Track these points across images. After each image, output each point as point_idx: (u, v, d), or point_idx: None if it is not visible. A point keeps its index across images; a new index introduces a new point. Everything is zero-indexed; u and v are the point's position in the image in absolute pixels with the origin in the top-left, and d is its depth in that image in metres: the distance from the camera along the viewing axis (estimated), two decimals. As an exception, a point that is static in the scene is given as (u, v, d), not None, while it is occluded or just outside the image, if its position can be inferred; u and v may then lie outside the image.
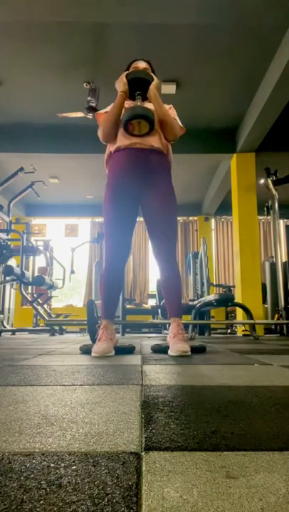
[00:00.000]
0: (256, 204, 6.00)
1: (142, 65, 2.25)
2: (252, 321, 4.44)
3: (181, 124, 2.22)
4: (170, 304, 2.07)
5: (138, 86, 2.11)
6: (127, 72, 2.17)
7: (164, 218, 2.07)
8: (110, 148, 2.16)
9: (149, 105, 2.16)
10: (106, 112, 2.16)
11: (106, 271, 2.07)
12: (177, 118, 2.21)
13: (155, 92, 2.10)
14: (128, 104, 2.17)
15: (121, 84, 2.11)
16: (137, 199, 2.12)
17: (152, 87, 2.10)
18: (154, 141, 2.09)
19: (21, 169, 6.18)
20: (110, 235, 2.08)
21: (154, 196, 2.08)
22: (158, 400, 0.83)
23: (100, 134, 2.14)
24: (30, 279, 5.63)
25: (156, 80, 2.13)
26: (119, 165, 2.08)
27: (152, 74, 2.21)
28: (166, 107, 2.22)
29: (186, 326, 3.95)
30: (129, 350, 2.09)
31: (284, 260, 5.71)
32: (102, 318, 2.07)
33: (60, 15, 3.73)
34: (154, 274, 9.85)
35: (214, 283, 8.91)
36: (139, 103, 2.08)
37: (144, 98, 2.14)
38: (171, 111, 2.22)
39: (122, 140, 2.09)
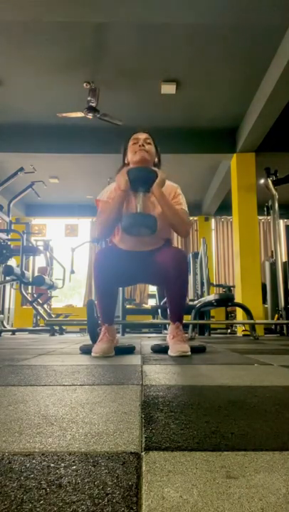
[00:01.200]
0: (256, 204, 6.00)
1: (142, 136, 2.08)
2: (252, 321, 4.44)
3: (186, 208, 2.10)
4: (173, 308, 2.04)
5: (140, 180, 1.99)
6: (129, 168, 2.03)
7: (174, 272, 1.95)
8: (113, 239, 2.16)
9: (151, 200, 2.05)
10: (105, 202, 2.07)
11: (98, 280, 2.02)
12: (184, 205, 2.09)
13: (160, 192, 1.97)
14: (129, 196, 2.07)
15: (122, 182, 1.97)
16: (134, 279, 2.19)
17: (156, 186, 1.97)
18: (156, 242, 2.06)
19: (21, 169, 6.17)
20: (99, 288, 2.02)
21: (157, 261, 2.02)
22: (158, 400, 0.83)
23: (97, 227, 2.09)
24: (30, 279, 5.63)
25: (160, 177, 1.99)
26: (118, 256, 2.03)
27: (156, 169, 2.07)
28: (172, 189, 2.09)
29: (186, 326, 3.95)
30: (129, 350, 2.09)
31: (284, 260, 5.71)
32: (102, 324, 2.06)
33: (60, 15, 3.73)
34: (154, 274, 9.82)
35: (214, 283, 8.91)
36: (139, 205, 1.98)
37: (147, 189, 2.01)
38: (176, 199, 2.08)
39: (122, 241, 2.08)
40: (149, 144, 2.09)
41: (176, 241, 3.84)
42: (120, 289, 5.00)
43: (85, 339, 3.83)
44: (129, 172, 1.99)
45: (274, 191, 5.64)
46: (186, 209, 2.10)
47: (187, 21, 3.82)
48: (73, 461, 0.48)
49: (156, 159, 2.16)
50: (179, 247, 9.63)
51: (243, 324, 5.31)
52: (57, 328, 5.49)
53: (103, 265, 1.96)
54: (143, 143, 2.06)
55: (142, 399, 0.85)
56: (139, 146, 2.05)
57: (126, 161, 2.15)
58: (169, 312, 2.08)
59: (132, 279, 2.27)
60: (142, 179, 1.99)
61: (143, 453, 0.51)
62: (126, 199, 2.04)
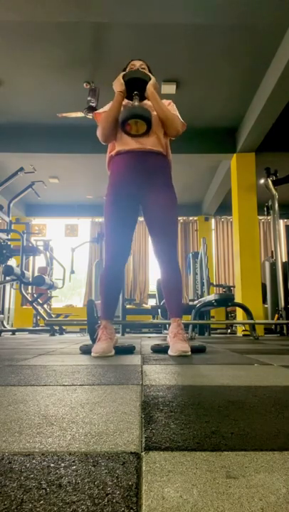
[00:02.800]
0: (256, 204, 6.00)
1: (137, 63, 2.26)
2: (252, 321, 4.44)
3: (182, 119, 2.21)
4: (170, 303, 2.07)
5: (135, 86, 2.11)
6: (124, 72, 2.17)
7: (164, 218, 2.08)
8: (111, 151, 2.18)
9: (147, 104, 2.17)
10: (104, 112, 2.16)
11: (106, 271, 2.08)
12: (177, 113, 2.20)
13: (153, 91, 2.09)
14: (126, 103, 2.17)
15: (118, 84, 2.11)
16: (137, 200, 2.13)
17: (149, 85, 2.09)
18: (153, 143, 2.10)
19: (21, 169, 6.18)
20: (111, 236, 2.08)
21: (154, 197, 2.09)
22: (158, 400, 0.83)
23: (98, 134, 2.15)
24: (30, 279, 5.63)
25: (153, 79, 2.12)
26: (120, 168, 2.10)
27: (149, 73, 2.21)
28: (166, 102, 2.22)
29: (186, 326, 3.95)
30: (129, 350, 2.09)
31: (284, 260, 5.71)
32: (101, 318, 2.07)
33: (60, 15, 3.73)
34: (154, 274, 9.86)
35: (214, 283, 8.91)
36: (136, 103, 2.08)
37: (142, 97, 2.14)
38: (170, 106, 2.21)
39: (122, 144, 2.10)
40: (144, 69, 2.24)
41: (176, 241, 3.81)
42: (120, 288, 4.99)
43: (85, 339, 3.83)
44: (125, 74, 2.12)
45: (274, 191, 5.64)
46: (179, 115, 2.20)
47: (187, 21, 3.82)
48: (73, 461, 0.48)
49: None
50: (179, 248, 9.63)
51: (243, 324, 5.31)
52: (57, 328, 5.49)
53: (113, 258, 2.07)
54: (139, 68, 2.22)
55: (142, 399, 0.85)
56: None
57: None
58: (167, 305, 2.09)
59: (136, 201, 2.17)
60: (137, 80, 2.09)
61: (143, 453, 0.51)
62: (123, 106, 2.12)
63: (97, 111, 2.23)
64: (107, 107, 2.17)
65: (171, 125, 2.12)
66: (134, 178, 2.08)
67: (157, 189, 2.09)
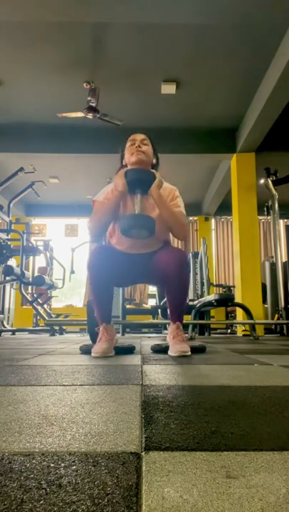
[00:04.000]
0: (256, 204, 6.00)
1: (139, 137, 2.09)
2: (252, 321, 4.44)
3: (184, 210, 2.09)
4: (173, 308, 2.03)
5: (138, 183, 1.98)
6: (127, 169, 2.03)
7: (176, 284, 1.95)
8: (110, 238, 2.14)
9: (149, 201, 2.04)
10: (102, 202, 2.06)
11: (92, 280, 2.00)
12: (182, 206, 2.08)
13: (158, 194, 1.96)
14: (126, 197, 2.06)
15: (120, 183, 1.97)
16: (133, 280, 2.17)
17: (154, 187, 1.96)
18: (152, 245, 2.06)
19: (21, 169, 6.18)
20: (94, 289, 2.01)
21: (156, 275, 2.03)
22: (158, 400, 0.83)
23: (91, 226, 2.05)
24: (30, 279, 5.63)
25: (157, 177, 1.98)
26: (117, 257, 2.02)
27: (153, 171, 2.07)
28: (170, 191, 2.09)
29: (186, 326, 3.95)
30: (129, 350, 2.09)
31: (284, 260, 5.71)
32: (100, 324, 2.04)
33: (60, 15, 3.73)
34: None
35: (214, 283, 8.91)
36: (138, 206, 1.97)
37: (145, 191, 2.00)
38: (174, 202, 2.07)
39: (119, 243, 2.07)
40: (146, 144, 2.09)
41: (176, 243, 3.82)
42: (120, 288, 4.99)
43: (85, 339, 3.83)
44: (127, 173, 1.99)
45: (274, 191, 5.64)
46: (184, 211, 2.10)
47: (187, 21, 3.82)
48: (73, 461, 0.48)
49: (154, 160, 2.16)
50: (179, 247, 9.63)
51: (243, 324, 5.31)
52: (57, 328, 5.49)
53: (98, 265, 1.94)
54: (140, 144, 2.07)
55: (142, 399, 0.85)
56: (136, 147, 2.06)
57: (124, 163, 2.16)
58: (169, 312, 2.07)
59: (129, 280, 2.26)
60: (140, 181, 1.98)
61: (143, 453, 0.51)
62: (123, 201, 2.04)
63: (95, 198, 2.12)
64: (103, 196, 2.07)
65: (177, 231, 2.04)
66: (130, 271, 2.07)
67: (158, 259, 2.01)
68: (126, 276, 2.11)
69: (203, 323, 5.02)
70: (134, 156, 2.05)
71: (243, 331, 5.58)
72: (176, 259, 1.93)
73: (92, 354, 1.87)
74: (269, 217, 6.11)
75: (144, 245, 2.04)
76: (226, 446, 0.54)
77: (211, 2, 3.55)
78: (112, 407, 0.77)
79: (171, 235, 2.15)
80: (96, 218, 2.04)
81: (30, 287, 6.61)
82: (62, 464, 0.47)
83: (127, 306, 6.58)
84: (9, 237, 5.85)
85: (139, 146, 2.06)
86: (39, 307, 6.05)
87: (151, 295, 9.28)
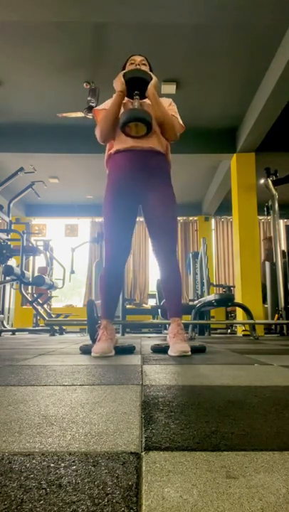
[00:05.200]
0: (256, 204, 6.00)
1: (138, 58, 2.23)
2: (252, 321, 4.44)
3: (181, 120, 2.20)
4: (170, 303, 2.07)
5: (136, 85, 2.07)
6: (125, 71, 2.12)
7: (164, 217, 2.06)
8: (110, 150, 2.16)
9: (148, 104, 2.14)
10: (104, 110, 2.14)
11: (106, 272, 2.07)
12: (177, 114, 2.19)
13: (154, 92, 2.05)
14: (126, 101, 2.15)
15: (118, 83, 2.06)
16: (136, 199, 2.12)
17: (151, 86, 2.05)
18: (153, 142, 2.08)
19: (21, 169, 6.18)
20: (110, 236, 2.07)
21: (153, 196, 2.08)
22: (158, 400, 0.83)
23: (97, 133, 2.13)
24: (30, 279, 5.63)
25: (154, 79, 2.07)
26: (119, 167, 2.08)
27: (150, 72, 2.18)
28: (166, 101, 2.19)
29: (186, 326, 3.95)
30: (129, 350, 2.09)
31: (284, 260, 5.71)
32: (101, 318, 2.07)
33: (60, 15, 3.73)
34: (154, 274, 9.86)
35: (214, 283, 8.91)
36: (136, 103, 2.05)
37: (143, 97, 2.10)
38: (171, 107, 2.18)
39: (121, 142, 2.09)
40: (144, 64, 2.24)
41: (176, 244, 3.79)
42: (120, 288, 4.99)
43: (85, 339, 3.83)
44: (126, 73, 2.07)
45: (274, 191, 5.64)
46: (180, 119, 2.19)
47: (187, 21, 3.82)
48: (73, 461, 0.48)
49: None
50: (179, 248, 9.63)
51: (243, 324, 5.31)
52: (57, 328, 5.49)
53: (114, 257, 2.05)
54: (139, 63, 2.22)
55: (142, 399, 0.85)
56: (136, 65, 2.21)
57: None
58: (166, 305, 2.09)
59: (135, 201, 2.16)
60: (137, 79, 2.06)
61: (143, 453, 0.51)
62: (123, 104, 2.10)
63: (97, 107, 2.21)
64: (107, 104, 2.16)
65: (169, 130, 2.10)
66: (134, 177, 2.07)
67: (157, 188, 2.08)
68: (131, 184, 2.08)
69: (203, 323, 5.02)
70: (133, 67, 2.20)
71: (243, 330, 5.58)
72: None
73: (92, 354, 1.87)
74: (269, 217, 6.12)
75: (144, 140, 2.07)
76: (226, 446, 0.54)
77: (210, 2, 3.55)
78: (112, 407, 0.77)
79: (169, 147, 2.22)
80: (102, 123, 2.09)
81: (30, 287, 6.61)
82: (62, 464, 0.47)
83: (127, 306, 6.58)
84: (9, 237, 5.85)
85: (138, 65, 2.21)
86: (39, 307, 6.05)
87: (151, 295, 9.28)
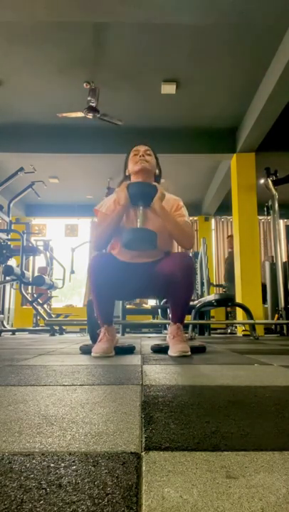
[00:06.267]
0: (256, 204, 6.00)
1: (142, 148, 2.11)
2: (252, 321, 4.44)
3: (188, 219, 2.09)
4: (176, 311, 2.03)
5: (140, 196, 1.99)
6: (129, 182, 2.05)
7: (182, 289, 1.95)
8: (113, 249, 2.13)
9: (152, 215, 2.03)
10: (105, 214, 2.06)
11: (92, 283, 1.99)
12: (187, 216, 2.08)
13: (161, 207, 1.96)
14: (128, 210, 2.06)
15: (122, 197, 1.98)
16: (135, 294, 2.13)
17: (156, 200, 1.96)
18: (156, 255, 2.04)
19: (21, 169, 6.18)
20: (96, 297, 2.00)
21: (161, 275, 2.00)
22: (158, 400, 0.83)
23: (94, 239, 2.08)
24: (30, 279, 5.63)
25: (160, 191, 1.99)
26: (117, 268, 2.01)
27: (155, 184, 2.06)
28: (174, 202, 2.09)
29: (186, 326, 3.95)
30: (129, 350, 2.09)
31: (284, 260, 5.71)
32: (100, 325, 2.04)
33: (60, 15, 3.73)
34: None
35: (214, 283, 8.91)
36: (140, 220, 1.97)
37: (147, 205, 2.00)
38: (180, 211, 2.07)
39: (122, 254, 2.06)
40: (149, 155, 2.12)
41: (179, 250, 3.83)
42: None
43: (85, 339, 3.83)
44: (129, 187, 2.00)
45: (274, 191, 5.64)
46: (189, 221, 2.11)
47: (187, 21, 3.82)
48: (73, 461, 0.48)
49: (156, 171, 2.17)
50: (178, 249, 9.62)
51: (243, 324, 5.31)
52: (57, 328, 5.49)
53: (98, 272, 1.93)
54: (143, 154, 2.10)
55: (142, 399, 0.85)
56: (140, 157, 2.08)
57: (127, 173, 2.17)
58: (170, 313, 2.08)
59: (131, 291, 2.21)
60: (142, 194, 1.99)
61: (143, 453, 0.51)
62: (126, 214, 2.04)
63: (97, 207, 2.14)
64: (108, 206, 2.08)
65: (182, 241, 2.03)
66: (133, 281, 2.05)
67: (162, 267, 2.00)
68: (128, 286, 2.08)
69: (203, 323, 5.02)
70: (138, 165, 2.07)
71: (243, 330, 5.58)
72: (182, 261, 1.93)
73: (92, 354, 1.87)
74: (269, 217, 6.11)
75: (146, 255, 2.04)
76: (226, 446, 0.54)
77: (211, 2, 3.55)
78: (112, 407, 0.77)
79: (175, 244, 2.15)
80: (100, 231, 2.05)
81: (30, 287, 6.61)
82: (62, 464, 0.47)
83: (127, 306, 6.57)
84: (9, 237, 5.85)
85: (143, 156, 2.09)
86: (39, 307, 6.05)
87: (151, 295, 9.26)
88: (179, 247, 2.20)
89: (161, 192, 2.00)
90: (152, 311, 6.56)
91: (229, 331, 6.62)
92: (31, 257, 7.56)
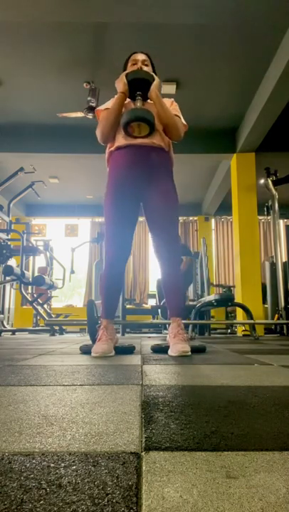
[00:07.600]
0: (256, 204, 6.00)
1: (140, 57, 2.17)
2: (252, 321, 4.44)
3: (183, 120, 2.17)
4: (170, 302, 2.06)
5: (138, 86, 2.05)
6: (127, 71, 2.09)
7: (165, 215, 2.04)
8: (110, 147, 2.14)
9: (150, 105, 2.12)
10: (106, 109, 2.11)
11: (106, 271, 2.07)
12: (180, 114, 2.16)
13: (157, 93, 2.03)
14: (128, 102, 2.14)
15: (121, 84, 2.04)
16: (138, 197, 2.10)
17: (153, 87, 2.03)
18: (155, 138, 2.06)
19: (21, 169, 6.18)
20: (111, 234, 2.06)
21: (155, 193, 2.06)
22: (158, 400, 0.83)
23: (98, 133, 2.10)
24: (30, 279, 5.63)
25: (157, 80, 2.05)
26: (120, 163, 2.06)
27: (153, 73, 2.15)
28: (168, 101, 2.16)
29: (186, 326, 3.95)
30: (129, 350, 2.09)
31: (284, 260, 5.71)
32: (102, 318, 2.07)
33: (60, 15, 3.73)
34: (154, 274, 9.86)
35: (214, 283, 8.91)
36: (139, 104, 2.03)
37: (145, 98, 2.08)
38: (173, 107, 2.15)
39: (122, 140, 2.07)
40: (146, 65, 2.17)
41: (177, 239, 3.80)
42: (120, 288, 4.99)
43: (85, 339, 3.83)
44: (128, 74, 2.05)
45: (274, 191, 5.64)
46: (182, 119, 2.15)
47: (187, 21, 3.82)
48: (73, 461, 0.48)
49: None
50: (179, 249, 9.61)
51: (243, 324, 5.31)
52: (57, 328, 5.49)
53: (114, 256, 2.03)
54: (141, 65, 2.16)
55: (142, 399, 0.85)
56: (138, 66, 2.15)
57: None
58: (167, 305, 2.08)
59: (136, 198, 2.15)
60: (140, 80, 2.04)
61: (143, 453, 0.51)
62: (125, 107, 2.08)
63: (99, 107, 2.18)
64: (108, 104, 2.13)
65: (173, 130, 2.07)
66: (135, 174, 2.05)
67: (158, 184, 2.06)
68: (132, 181, 2.06)
69: (203, 323, 5.02)
70: (135, 68, 2.13)
71: (243, 331, 5.58)
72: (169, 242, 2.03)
73: (92, 354, 1.87)
74: (269, 217, 6.12)
75: (147, 138, 2.05)
76: (226, 446, 0.54)
77: (211, 2, 3.55)
78: (112, 407, 0.77)
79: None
80: (104, 122, 2.07)
81: (30, 287, 6.61)
82: (63, 464, 0.47)
83: (127, 306, 6.58)
84: (9, 237, 5.85)
85: (141, 67, 2.15)
86: (39, 307, 6.05)
87: (151, 295, 9.28)
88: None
89: (158, 81, 2.06)
90: (152, 311, 6.56)
91: (229, 331, 6.62)
92: (31, 257, 7.55)
